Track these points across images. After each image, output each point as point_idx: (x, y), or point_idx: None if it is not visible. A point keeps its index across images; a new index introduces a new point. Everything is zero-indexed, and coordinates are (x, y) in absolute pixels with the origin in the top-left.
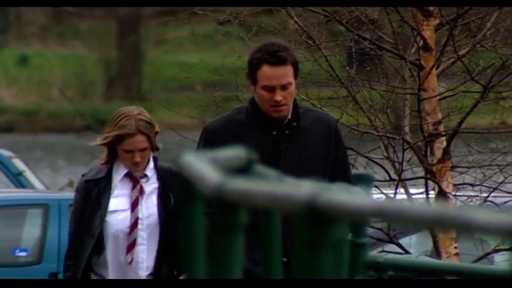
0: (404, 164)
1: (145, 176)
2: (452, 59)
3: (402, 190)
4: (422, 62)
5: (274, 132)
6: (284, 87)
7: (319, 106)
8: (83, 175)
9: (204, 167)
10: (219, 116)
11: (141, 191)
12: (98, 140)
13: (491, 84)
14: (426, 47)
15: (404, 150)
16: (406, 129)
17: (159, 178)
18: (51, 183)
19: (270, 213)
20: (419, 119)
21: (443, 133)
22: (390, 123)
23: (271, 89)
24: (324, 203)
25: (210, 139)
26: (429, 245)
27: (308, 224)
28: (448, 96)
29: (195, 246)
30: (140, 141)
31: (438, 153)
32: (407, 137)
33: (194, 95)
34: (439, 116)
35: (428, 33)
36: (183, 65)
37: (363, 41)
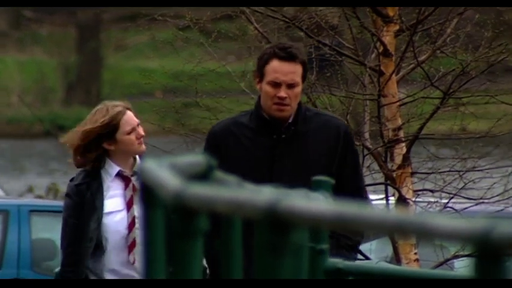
0: (364, 170)
1: (136, 173)
2: (412, 65)
3: None
4: (382, 67)
5: (274, 136)
6: (290, 86)
7: None
8: (71, 180)
9: (165, 173)
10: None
11: (134, 189)
12: (86, 127)
13: (451, 90)
14: (386, 53)
15: (364, 156)
16: (366, 135)
17: None
18: (10, 189)
19: (230, 219)
20: (379, 125)
21: (403, 139)
22: (350, 129)
23: (276, 85)
24: (283, 209)
25: (212, 142)
26: (389, 250)
27: (268, 230)
28: (408, 102)
29: (155, 252)
30: (133, 115)
31: (398, 159)
32: (367, 143)
33: (154, 101)
34: (399, 122)
35: (388, 39)
36: (142, 71)
37: (323, 47)
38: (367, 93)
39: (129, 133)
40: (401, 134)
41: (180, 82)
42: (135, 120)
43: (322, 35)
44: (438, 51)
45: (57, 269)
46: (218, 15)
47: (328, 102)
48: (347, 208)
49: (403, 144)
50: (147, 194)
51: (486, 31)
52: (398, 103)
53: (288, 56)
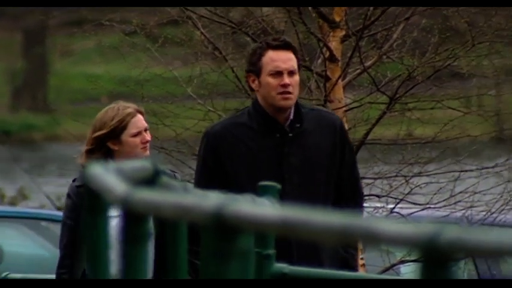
0: None
1: None
2: (359, 70)
3: None
4: (328, 73)
5: (278, 135)
6: (291, 73)
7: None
8: (73, 180)
9: (111, 178)
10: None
11: None
12: (96, 133)
13: (398, 96)
14: (332, 58)
15: None
16: None
17: None
18: None
19: (176, 224)
20: None
21: None
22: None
23: (278, 74)
24: (230, 214)
25: (213, 143)
26: None
27: (214, 235)
28: (354, 107)
29: (101, 257)
30: (142, 119)
31: None
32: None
33: (100, 107)
34: (346, 127)
35: (334, 44)
36: (89, 77)
37: None
38: (313, 98)
39: (134, 136)
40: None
41: (126, 87)
42: (144, 125)
43: None
44: (384, 57)
45: (4, 274)
46: (164, 20)
47: None
48: (293, 213)
49: None
50: (93, 199)
51: (433, 36)
52: (344, 108)
53: (282, 44)
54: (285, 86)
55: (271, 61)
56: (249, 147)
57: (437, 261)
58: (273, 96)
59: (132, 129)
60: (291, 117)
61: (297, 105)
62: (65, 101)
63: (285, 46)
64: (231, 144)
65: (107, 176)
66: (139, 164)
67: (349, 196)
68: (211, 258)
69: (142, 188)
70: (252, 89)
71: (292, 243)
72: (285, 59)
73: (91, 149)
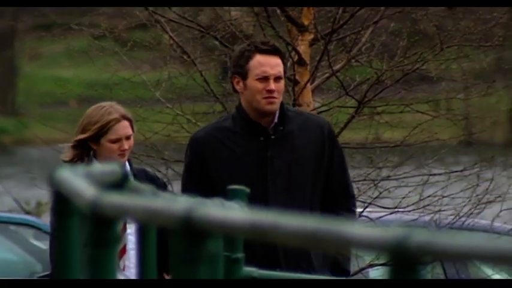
0: None
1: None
2: (327, 74)
3: None
4: (297, 77)
5: (262, 138)
6: (277, 79)
7: (193, 121)
8: None
9: (79, 182)
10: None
11: None
12: (78, 136)
13: (366, 99)
14: (301, 62)
15: None
16: None
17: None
18: None
19: (146, 228)
20: None
21: None
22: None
23: (265, 79)
24: (199, 218)
25: (196, 148)
26: None
27: (184, 238)
28: (323, 111)
29: (70, 260)
30: (126, 126)
31: None
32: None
33: (69, 110)
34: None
35: (303, 48)
36: (57, 80)
37: None
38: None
39: (112, 142)
40: None
41: (95, 91)
42: (125, 133)
43: (237, 44)
44: (353, 60)
45: None
46: (133, 24)
47: None
48: (262, 217)
49: None
50: (62, 203)
51: (401, 40)
52: (313, 112)
53: (271, 49)
54: (270, 91)
55: (260, 65)
56: (233, 151)
57: (406, 265)
58: (258, 100)
59: (111, 135)
60: (275, 120)
61: (282, 109)
62: (33, 104)
63: (274, 51)
64: (215, 149)
65: (76, 179)
66: (108, 168)
67: (339, 200)
68: (180, 262)
69: (111, 191)
70: (235, 91)
71: (279, 246)
72: (273, 65)
73: (75, 146)
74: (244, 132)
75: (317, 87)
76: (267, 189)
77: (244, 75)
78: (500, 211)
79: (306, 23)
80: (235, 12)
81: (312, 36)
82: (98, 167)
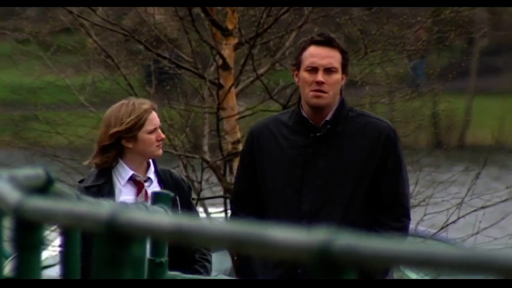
0: (203, 183)
1: (149, 179)
2: (251, 78)
3: (201, 209)
4: (221, 81)
5: (312, 135)
6: (328, 71)
7: None
8: (80, 181)
9: (3, 186)
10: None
11: (146, 196)
12: (112, 130)
13: (290, 103)
14: (225, 66)
15: (203, 170)
16: (205, 148)
17: (160, 182)
18: None
19: (70, 232)
20: (218, 138)
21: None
22: (189, 142)
23: (314, 70)
24: (123, 222)
25: (250, 139)
26: (228, 263)
27: (107, 242)
28: (247, 115)
29: None
30: (156, 116)
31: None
32: (207, 156)
33: None
34: (238, 135)
35: (227, 52)
36: None
37: (162, 60)
38: (206, 106)
39: (150, 133)
40: (240, 147)
41: (19, 95)
42: (158, 121)
43: (162, 48)
44: (277, 64)
45: None
46: (57, 28)
47: (168, 116)
48: (186, 221)
49: None
50: None
51: None
52: (237, 116)
53: (325, 40)
54: (318, 83)
55: (310, 56)
56: (280, 144)
57: (330, 268)
58: (306, 92)
59: (149, 125)
60: (328, 118)
61: (340, 107)
62: None
63: (328, 42)
64: (266, 140)
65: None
66: (32, 172)
67: (388, 209)
68: (104, 265)
69: (35, 196)
70: (298, 85)
71: None
72: (324, 55)
73: (106, 147)
74: (295, 127)
75: (241, 91)
76: (303, 186)
77: (298, 67)
78: (424, 215)
79: (230, 27)
80: (159, 16)
81: (236, 40)
82: (22, 171)
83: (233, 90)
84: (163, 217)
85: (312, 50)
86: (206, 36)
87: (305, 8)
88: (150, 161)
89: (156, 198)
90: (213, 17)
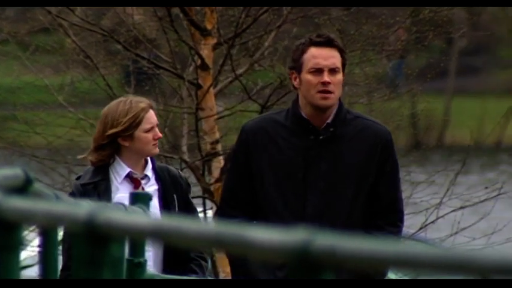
0: None
1: (146, 176)
2: (230, 78)
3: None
4: (200, 81)
5: (312, 137)
6: (332, 71)
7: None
8: (76, 178)
9: None
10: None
11: None
12: (109, 131)
13: (269, 104)
14: (204, 66)
15: (182, 170)
16: (184, 148)
17: (158, 179)
18: None
19: (49, 232)
20: (197, 138)
21: (221, 152)
22: (168, 143)
23: (318, 71)
24: (101, 222)
25: (243, 138)
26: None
27: (86, 242)
28: (226, 115)
29: None
30: (154, 114)
31: (216, 173)
32: (185, 157)
33: None
34: (217, 135)
35: (206, 52)
36: None
37: (141, 60)
38: (185, 107)
39: (147, 131)
40: (219, 147)
41: None
42: (156, 120)
43: (140, 48)
44: (256, 65)
45: None
46: (36, 28)
47: None
48: (165, 221)
49: (221, 157)
50: None
51: None
52: (216, 116)
53: (325, 41)
54: (324, 84)
55: (312, 58)
56: (278, 145)
57: (308, 269)
58: (312, 94)
59: (145, 124)
60: (329, 120)
61: (339, 109)
62: None
63: (329, 43)
64: (261, 140)
65: None
66: (11, 172)
67: (384, 213)
68: (83, 265)
69: (14, 196)
70: (294, 87)
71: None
72: (327, 56)
73: (102, 145)
74: (294, 128)
75: (220, 92)
76: (306, 189)
77: (299, 70)
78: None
79: (209, 27)
80: (138, 16)
81: (215, 40)
82: (1, 171)
83: (212, 91)
84: (141, 217)
85: (314, 51)
86: (185, 37)
87: (284, 8)
88: (148, 158)
89: (135, 198)
90: (192, 17)
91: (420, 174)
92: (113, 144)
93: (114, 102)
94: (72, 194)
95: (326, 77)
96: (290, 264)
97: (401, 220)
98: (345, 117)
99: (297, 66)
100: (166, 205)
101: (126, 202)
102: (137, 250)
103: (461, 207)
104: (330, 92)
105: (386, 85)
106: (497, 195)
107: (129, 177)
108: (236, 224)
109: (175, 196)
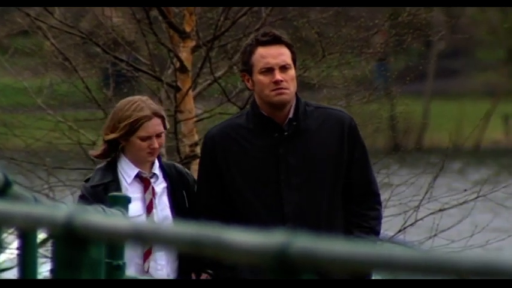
0: None
1: (154, 175)
2: (209, 81)
3: None
4: (179, 83)
5: (276, 135)
6: (283, 68)
7: (75, 128)
8: (85, 181)
9: None
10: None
11: (154, 193)
12: (108, 136)
13: (248, 106)
14: (183, 69)
15: None
16: (163, 151)
17: (166, 177)
18: None
19: (28, 234)
20: (176, 140)
21: (199, 155)
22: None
23: (269, 71)
24: (80, 224)
25: (209, 146)
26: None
27: (65, 245)
28: (205, 118)
29: None
30: (157, 124)
31: (195, 175)
32: (164, 159)
33: None
34: (196, 137)
35: (185, 55)
36: None
37: (120, 63)
38: (163, 109)
39: (142, 139)
40: (198, 150)
41: None
42: (156, 131)
43: (119, 51)
44: (235, 67)
45: None
46: (14, 31)
47: None
48: (143, 224)
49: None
50: None
51: None
52: (195, 119)
53: (272, 39)
54: (277, 82)
55: (261, 58)
56: (245, 148)
57: (287, 271)
58: (266, 94)
59: (142, 132)
60: (290, 115)
61: (298, 103)
62: None
63: (275, 40)
64: (227, 146)
65: None
66: None
67: (361, 199)
68: (62, 267)
69: None
70: (249, 89)
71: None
72: (275, 54)
73: (105, 142)
74: (257, 129)
75: (199, 94)
76: (280, 188)
77: (250, 71)
78: (382, 218)
79: (187, 29)
80: (116, 18)
81: (193, 43)
82: None
83: (191, 93)
84: (120, 220)
85: (262, 51)
86: (164, 39)
87: (263, 11)
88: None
89: (113, 200)
90: (171, 19)
91: (399, 176)
92: (114, 141)
93: (126, 100)
94: (83, 197)
95: (278, 76)
96: (269, 267)
97: (379, 203)
98: (305, 110)
99: (247, 69)
100: (176, 202)
101: (138, 203)
102: (116, 252)
103: (440, 210)
104: (284, 88)
105: (365, 87)
106: (476, 197)
107: (138, 177)
108: (215, 227)
109: (184, 193)
